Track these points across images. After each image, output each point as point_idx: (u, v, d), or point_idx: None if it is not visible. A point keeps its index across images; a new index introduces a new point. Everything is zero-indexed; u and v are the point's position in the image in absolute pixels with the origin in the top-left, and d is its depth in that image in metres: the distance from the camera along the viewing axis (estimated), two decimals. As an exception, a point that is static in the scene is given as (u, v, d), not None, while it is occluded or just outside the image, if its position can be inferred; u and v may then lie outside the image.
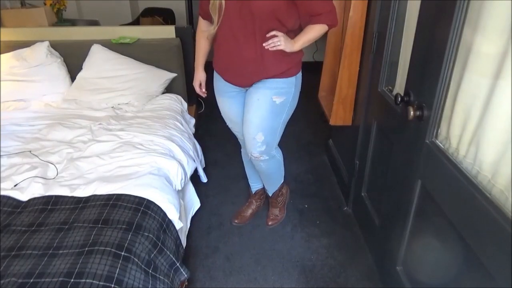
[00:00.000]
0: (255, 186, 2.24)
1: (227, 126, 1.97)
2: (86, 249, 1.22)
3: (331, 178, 2.66)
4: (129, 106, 2.43)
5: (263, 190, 2.23)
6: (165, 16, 4.28)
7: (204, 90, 1.88)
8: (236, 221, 2.19)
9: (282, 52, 1.52)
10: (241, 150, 2.12)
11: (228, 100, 1.81)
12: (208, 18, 1.65)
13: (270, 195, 2.16)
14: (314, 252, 1.99)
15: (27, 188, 1.56)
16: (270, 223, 2.17)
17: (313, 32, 1.55)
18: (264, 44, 1.50)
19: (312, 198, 2.43)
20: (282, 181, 2.11)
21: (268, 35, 1.49)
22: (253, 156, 1.80)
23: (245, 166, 2.20)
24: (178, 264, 1.41)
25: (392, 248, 1.59)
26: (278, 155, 1.90)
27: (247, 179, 2.25)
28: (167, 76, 2.62)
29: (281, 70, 1.61)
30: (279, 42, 1.48)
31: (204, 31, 1.75)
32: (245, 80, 1.67)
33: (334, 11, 1.53)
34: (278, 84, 1.64)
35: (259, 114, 1.67)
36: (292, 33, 1.57)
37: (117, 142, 1.90)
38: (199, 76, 1.86)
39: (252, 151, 1.77)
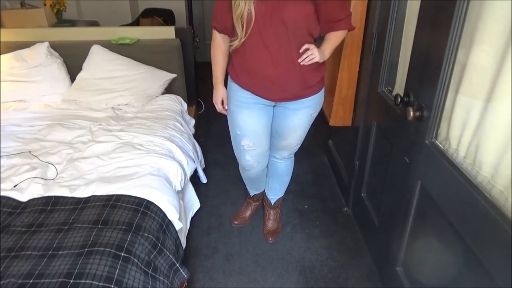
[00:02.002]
0: (253, 192, 2.19)
1: (228, 132, 1.81)
2: (86, 249, 1.22)
3: (331, 178, 2.66)
4: (129, 107, 2.42)
5: (262, 192, 2.18)
6: (165, 17, 4.28)
7: (226, 107, 1.73)
8: (235, 222, 2.17)
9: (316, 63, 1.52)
10: (240, 168, 1.98)
11: (256, 112, 1.66)
12: (228, 32, 1.55)
13: (273, 203, 2.11)
14: (314, 252, 1.99)
15: (26, 189, 1.56)
16: (270, 238, 2.06)
17: (337, 39, 1.56)
18: (299, 61, 1.47)
19: (312, 199, 2.43)
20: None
21: (301, 51, 1.46)
22: (283, 158, 1.90)
23: (245, 179, 2.08)
24: (177, 265, 1.41)
25: (392, 249, 1.59)
26: None
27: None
28: (167, 76, 2.62)
29: (318, 78, 1.60)
30: (313, 55, 1.46)
31: (222, 46, 1.62)
32: (284, 93, 1.58)
33: (351, 15, 1.53)
34: (314, 100, 1.65)
35: (301, 131, 1.74)
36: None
37: (117, 142, 1.90)
38: (221, 92, 1.71)
39: (284, 155, 1.88)
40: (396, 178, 1.54)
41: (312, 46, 1.46)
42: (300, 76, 1.53)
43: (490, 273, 0.93)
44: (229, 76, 1.68)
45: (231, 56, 1.63)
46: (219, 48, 1.63)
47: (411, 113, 1.27)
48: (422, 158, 1.29)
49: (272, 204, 2.11)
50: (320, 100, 1.69)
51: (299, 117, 1.67)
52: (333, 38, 1.55)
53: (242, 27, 1.43)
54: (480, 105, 1.00)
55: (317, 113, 1.72)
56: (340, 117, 2.16)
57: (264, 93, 1.60)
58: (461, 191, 1.05)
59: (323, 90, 1.68)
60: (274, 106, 1.70)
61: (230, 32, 1.53)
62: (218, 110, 1.76)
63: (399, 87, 1.59)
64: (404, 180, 1.44)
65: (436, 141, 1.22)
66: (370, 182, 1.98)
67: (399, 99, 1.36)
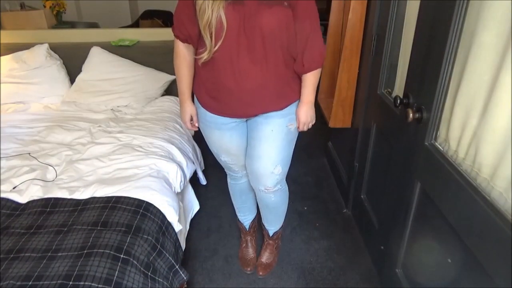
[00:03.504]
0: (247, 219, 1.96)
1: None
2: (85, 251, 1.22)
3: (331, 180, 2.66)
4: (129, 108, 2.42)
5: (255, 219, 2.00)
6: (164, 19, 4.30)
7: (196, 124, 1.57)
8: (248, 269, 1.89)
9: (292, 72, 1.40)
10: (229, 181, 1.85)
11: (227, 132, 1.52)
12: (193, 41, 1.36)
13: (271, 234, 1.89)
14: (314, 254, 1.99)
15: (26, 190, 1.55)
16: (261, 272, 1.85)
17: (313, 80, 1.42)
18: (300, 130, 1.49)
19: (312, 201, 2.43)
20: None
21: (300, 130, 1.50)
22: (266, 189, 1.59)
23: (233, 198, 1.91)
24: (177, 267, 1.41)
25: (392, 251, 1.59)
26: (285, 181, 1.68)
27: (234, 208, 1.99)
28: (166, 78, 2.62)
29: (296, 88, 1.45)
30: (310, 122, 1.48)
31: (187, 58, 1.42)
32: (257, 109, 1.43)
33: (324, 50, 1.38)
34: (291, 109, 1.47)
35: (275, 145, 1.48)
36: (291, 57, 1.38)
37: (116, 144, 1.90)
38: (189, 109, 1.52)
39: (267, 185, 1.57)
40: (396, 179, 1.54)
41: (302, 123, 1.47)
42: (276, 89, 1.38)
43: (489, 274, 0.93)
44: (194, 94, 1.51)
45: (195, 70, 1.46)
46: (184, 61, 1.43)
47: (411, 114, 1.27)
48: (422, 160, 1.29)
49: (271, 235, 1.90)
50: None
51: (271, 127, 1.46)
52: (308, 81, 1.42)
53: (211, 37, 1.24)
54: (480, 107, 0.99)
55: (294, 127, 1.50)
56: (340, 119, 2.16)
57: (234, 112, 1.45)
58: (460, 193, 1.05)
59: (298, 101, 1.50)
60: (247, 120, 1.54)
61: (195, 42, 1.35)
62: (187, 128, 1.59)
63: (399, 89, 1.59)
64: (404, 182, 1.44)
65: (436, 143, 1.22)
66: (369, 184, 1.98)
67: (398, 101, 1.36)
